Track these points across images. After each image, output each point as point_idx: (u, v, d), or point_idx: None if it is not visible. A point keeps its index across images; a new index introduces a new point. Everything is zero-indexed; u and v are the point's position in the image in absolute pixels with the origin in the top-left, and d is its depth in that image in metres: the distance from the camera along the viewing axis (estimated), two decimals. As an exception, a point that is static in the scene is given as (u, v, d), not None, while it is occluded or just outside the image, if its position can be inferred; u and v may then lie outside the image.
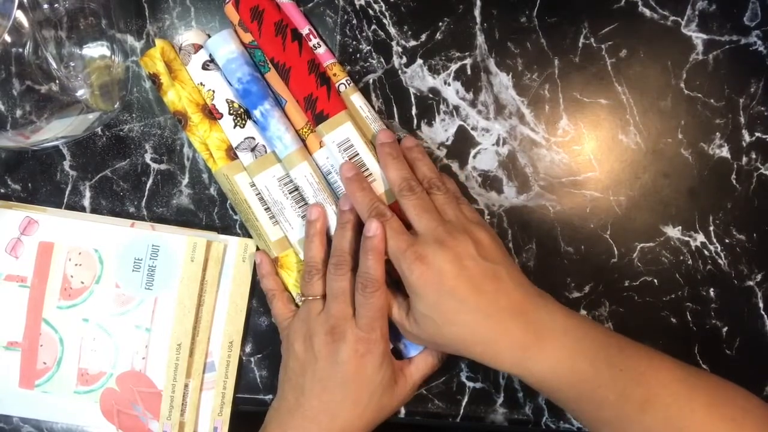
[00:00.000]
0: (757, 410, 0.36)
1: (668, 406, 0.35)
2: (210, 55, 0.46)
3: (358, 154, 0.44)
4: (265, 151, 0.46)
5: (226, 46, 0.45)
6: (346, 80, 0.46)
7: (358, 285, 0.41)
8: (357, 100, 0.46)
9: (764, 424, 0.35)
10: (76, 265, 0.46)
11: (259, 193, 0.46)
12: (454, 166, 0.48)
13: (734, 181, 0.47)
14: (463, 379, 0.47)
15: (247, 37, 0.46)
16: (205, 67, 0.46)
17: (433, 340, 0.40)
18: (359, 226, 0.43)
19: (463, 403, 0.47)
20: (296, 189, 0.46)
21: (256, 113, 0.45)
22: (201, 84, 0.46)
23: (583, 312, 0.47)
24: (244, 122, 0.46)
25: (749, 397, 0.37)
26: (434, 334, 0.39)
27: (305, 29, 0.47)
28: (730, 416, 0.35)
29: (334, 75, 0.46)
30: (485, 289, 0.38)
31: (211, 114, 0.46)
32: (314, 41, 0.47)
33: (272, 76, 0.46)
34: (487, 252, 0.39)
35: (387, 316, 0.42)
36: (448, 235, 0.39)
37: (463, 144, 0.48)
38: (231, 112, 0.46)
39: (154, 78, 0.46)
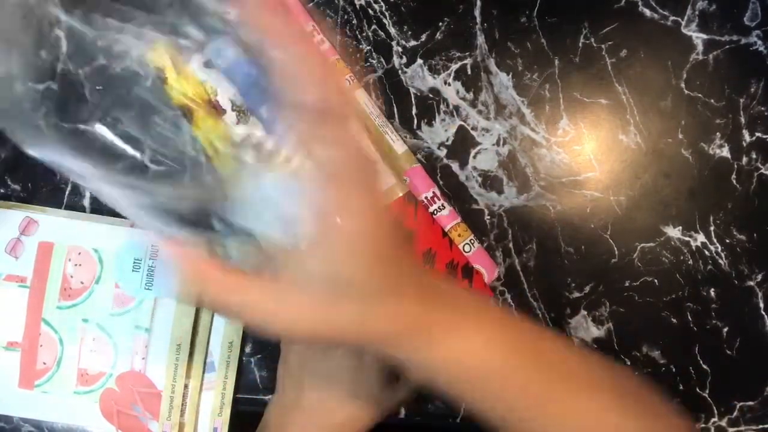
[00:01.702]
0: None
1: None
2: (212, 51, 0.46)
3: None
4: (267, 149, 0.46)
5: (232, 41, 0.45)
6: (350, 76, 0.46)
7: None
8: (361, 96, 0.46)
9: None
10: (75, 265, 0.46)
11: (261, 192, 0.46)
12: (455, 166, 0.48)
13: (734, 181, 0.47)
14: (464, 379, 0.47)
15: (249, 35, 0.46)
16: (207, 63, 0.46)
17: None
18: None
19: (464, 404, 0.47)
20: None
21: (264, 107, 0.45)
22: (204, 80, 0.46)
23: (584, 312, 0.47)
24: (247, 119, 0.46)
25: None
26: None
27: (309, 26, 0.47)
28: None
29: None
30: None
31: (215, 109, 0.46)
32: (318, 38, 0.47)
33: (275, 73, 0.46)
34: None
35: None
36: None
37: (463, 144, 0.48)
38: (234, 108, 0.46)
39: (159, 73, 0.46)
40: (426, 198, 0.45)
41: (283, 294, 0.26)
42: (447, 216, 0.46)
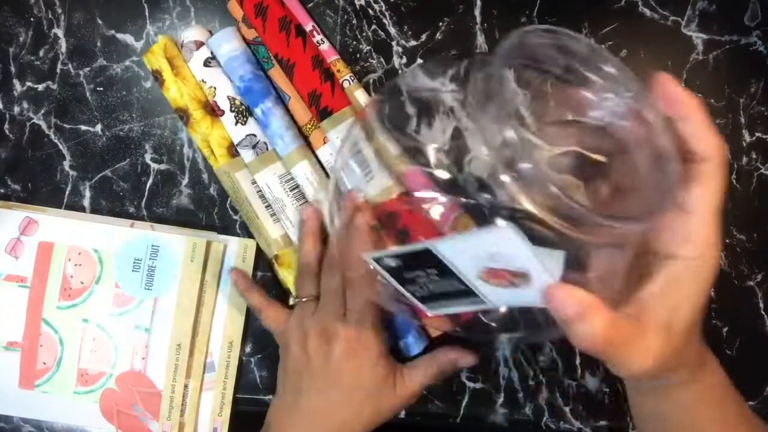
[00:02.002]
0: None
1: None
2: (212, 53, 0.46)
3: (361, 150, 0.45)
4: (267, 149, 0.46)
5: (228, 43, 0.45)
6: (350, 76, 0.46)
7: (346, 280, 0.41)
8: (361, 96, 0.46)
9: None
10: (75, 265, 0.46)
11: (260, 191, 0.46)
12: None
13: (734, 181, 0.47)
14: (464, 379, 0.47)
15: (251, 33, 0.46)
16: (206, 63, 0.46)
17: None
18: None
19: (464, 404, 0.47)
20: (297, 186, 0.46)
21: (258, 111, 0.45)
22: (203, 81, 0.46)
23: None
24: (245, 119, 0.46)
25: None
26: None
27: (309, 25, 0.47)
28: None
29: (338, 71, 0.46)
30: None
31: (213, 111, 0.46)
32: (318, 37, 0.47)
33: (276, 73, 0.46)
34: None
35: (378, 311, 0.41)
36: None
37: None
38: (232, 109, 0.46)
39: (157, 74, 0.46)
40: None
41: (655, 338, 0.27)
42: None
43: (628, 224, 0.26)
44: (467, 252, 0.28)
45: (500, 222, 0.25)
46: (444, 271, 0.29)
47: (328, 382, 0.40)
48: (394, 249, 0.31)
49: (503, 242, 0.25)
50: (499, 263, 0.27)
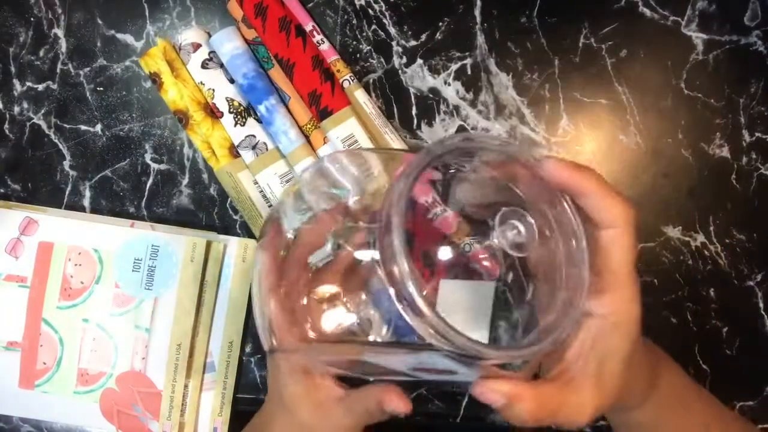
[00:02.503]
0: None
1: None
2: (210, 53, 0.46)
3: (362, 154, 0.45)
4: (266, 149, 0.46)
5: (231, 42, 0.45)
6: (350, 76, 0.46)
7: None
8: (361, 96, 0.46)
9: None
10: (75, 265, 0.46)
11: (262, 191, 0.46)
12: (455, 166, 0.48)
13: (734, 181, 0.47)
14: (464, 379, 0.47)
15: (251, 34, 0.46)
16: (204, 65, 0.46)
17: None
18: None
19: (464, 403, 0.47)
20: (298, 186, 0.46)
21: (261, 108, 0.45)
22: (201, 83, 0.46)
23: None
24: (244, 120, 0.46)
25: None
26: None
27: (309, 25, 0.47)
28: None
29: (338, 71, 0.46)
30: None
31: (213, 112, 0.46)
32: (318, 37, 0.47)
33: (276, 73, 0.46)
34: None
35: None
36: None
37: (463, 144, 0.48)
38: (231, 110, 0.46)
39: (155, 77, 0.46)
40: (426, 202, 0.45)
41: (587, 394, 0.28)
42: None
43: (527, 350, 0.26)
44: (395, 359, 0.30)
45: (427, 344, 0.26)
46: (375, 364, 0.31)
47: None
48: (327, 357, 0.32)
49: (429, 359, 0.27)
50: (427, 366, 0.29)
